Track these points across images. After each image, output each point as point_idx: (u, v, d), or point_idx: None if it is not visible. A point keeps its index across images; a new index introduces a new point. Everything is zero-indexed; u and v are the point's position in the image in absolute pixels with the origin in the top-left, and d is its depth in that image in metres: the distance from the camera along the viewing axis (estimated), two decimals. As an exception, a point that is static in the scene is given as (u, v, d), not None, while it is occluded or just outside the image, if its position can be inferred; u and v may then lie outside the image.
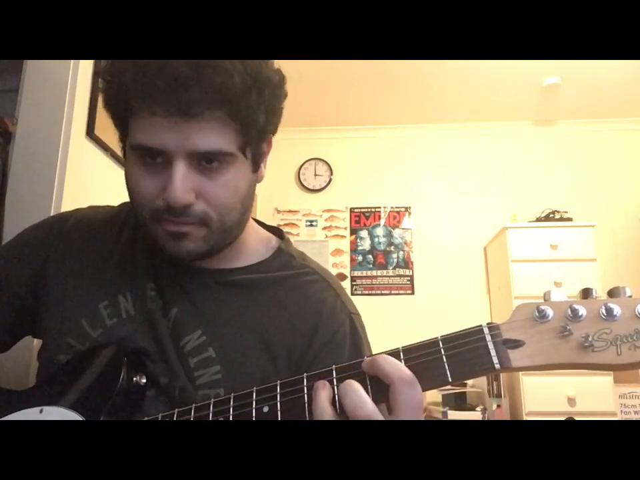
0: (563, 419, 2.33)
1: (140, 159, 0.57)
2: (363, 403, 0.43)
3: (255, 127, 0.57)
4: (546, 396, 2.48)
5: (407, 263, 3.26)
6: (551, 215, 2.92)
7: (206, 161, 0.56)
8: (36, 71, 1.31)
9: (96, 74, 1.30)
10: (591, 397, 2.45)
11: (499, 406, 2.54)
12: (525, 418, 2.46)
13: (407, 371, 0.43)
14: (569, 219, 2.88)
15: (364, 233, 3.34)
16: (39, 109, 1.28)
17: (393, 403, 0.43)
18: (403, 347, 0.46)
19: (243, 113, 0.55)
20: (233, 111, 0.54)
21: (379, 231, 3.33)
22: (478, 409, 2.57)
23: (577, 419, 2.32)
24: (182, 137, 0.53)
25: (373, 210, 3.37)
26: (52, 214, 1.22)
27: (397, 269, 3.26)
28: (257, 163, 0.63)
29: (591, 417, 2.37)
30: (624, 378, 2.58)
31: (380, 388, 0.44)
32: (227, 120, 0.54)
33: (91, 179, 1.37)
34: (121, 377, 0.59)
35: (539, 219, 2.93)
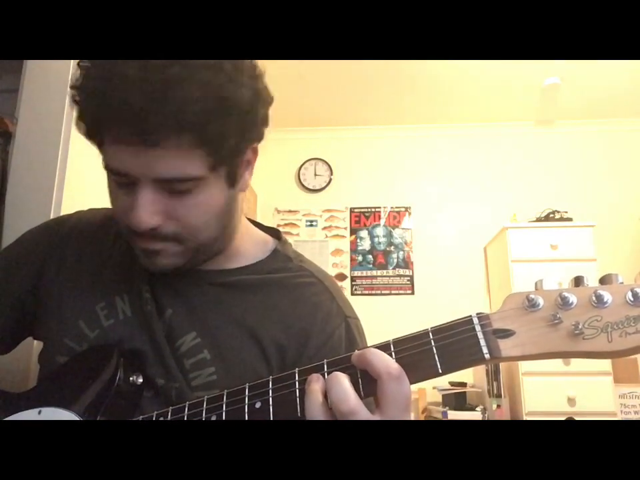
0: (563, 419, 2.33)
1: (114, 177, 0.58)
2: (345, 397, 0.42)
3: (225, 149, 0.55)
4: (546, 396, 2.48)
5: (407, 263, 3.26)
6: (551, 215, 2.92)
7: (172, 185, 0.55)
8: (36, 71, 1.31)
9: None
10: (591, 396, 2.45)
11: (498, 406, 2.54)
12: (525, 418, 2.46)
13: (395, 365, 0.43)
14: (569, 219, 2.88)
15: (364, 233, 3.34)
16: (39, 108, 1.28)
17: (380, 397, 0.43)
18: (393, 340, 0.46)
19: (208, 138, 0.53)
20: (197, 137, 0.52)
21: (379, 231, 3.33)
22: (478, 409, 2.57)
23: (577, 418, 2.32)
24: (145, 164, 0.53)
25: (373, 210, 3.37)
26: (52, 214, 1.22)
27: (397, 269, 3.26)
28: (233, 178, 0.60)
29: (590, 417, 2.37)
30: (624, 378, 2.58)
31: (369, 381, 0.44)
32: (192, 145, 0.52)
33: (91, 179, 1.37)
34: (117, 376, 0.59)
35: (539, 219, 2.93)
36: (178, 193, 0.56)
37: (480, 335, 0.43)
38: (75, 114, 0.58)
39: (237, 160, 0.60)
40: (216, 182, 0.58)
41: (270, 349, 0.63)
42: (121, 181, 0.57)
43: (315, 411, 0.43)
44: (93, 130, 0.56)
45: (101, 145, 0.57)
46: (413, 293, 3.21)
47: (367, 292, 3.24)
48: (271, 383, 0.48)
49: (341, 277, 3.25)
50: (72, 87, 0.56)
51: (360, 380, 0.44)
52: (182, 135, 0.51)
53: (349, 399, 0.42)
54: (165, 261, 0.60)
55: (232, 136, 0.55)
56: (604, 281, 0.42)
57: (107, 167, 0.57)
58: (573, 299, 0.42)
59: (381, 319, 2.86)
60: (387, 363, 0.43)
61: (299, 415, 0.46)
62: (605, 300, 0.41)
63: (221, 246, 0.65)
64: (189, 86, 0.50)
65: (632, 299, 0.40)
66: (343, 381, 0.43)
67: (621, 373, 2.57)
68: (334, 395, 0.43)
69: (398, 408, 0.42)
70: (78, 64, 0.56)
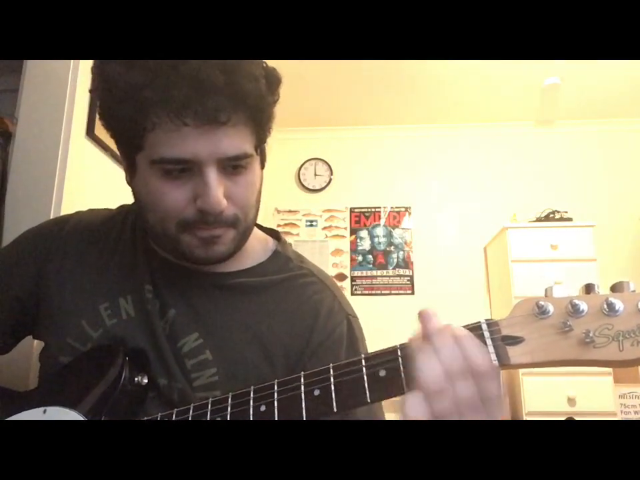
0: (563, 419, 2.33)
1: (161, 172, 0.56)
2: (481, 353, 0.41)
3: (267, 125, 0.60)
4: (546, 396, 2.48)
5: (406, 263, 3.26)
6: (551, 215, 2.92)
7: (230, 165, 0.56)
8: (36, 71, 1.31)
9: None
10: (591, 396, 2.45)
11: (499, 406, 2.54)
12: (525, 418, 2.46)
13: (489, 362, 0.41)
14: (569, 219, 2.88)
15: (364, 233, 3.34)
16: (39, 109, 1.28)
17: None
18: (400, 345, 0.45)
19: (261, 114, 0.57)
20: (253, 113, 0.56)
21: (379, 231, 3.33)
22: (478, 409, 2.56)
23: (577, 418, 2.32)
24: (212, 144, 0.53)
25: (373, 210, 3.37)
26: (52, 214, 1.22)
27: (397, 269, 3.26)
28: (264, 158, 0.64)
29: (590, 417, 2.37)
30: (624, 378, 2.57)
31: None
32: (246, 122, 0.56)
33: (91, 179, 1.37)
34: (123, 376, 0.59)
35: (539, 219, 2.93)
36: (232, 174, 0.57)
37: (489, 342, 0.43)
38: (98, 114, 0.58)
39: (266, 141, 0.63)
40: (256, 162, 0.61)
41: (273, 350, 0.63)
42: (175, 171, 0.55)
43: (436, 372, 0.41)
44: (138, 120, 0.53)
45: (138, 138, 0.54)
46: (413, 293, 3.21)
47: (366, 292, 3.23)
48: (276, 386, 0.48)
49: (341, 276, 3.25)
50: (109, 87, 0.54)
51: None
52: (239, 112, 0.54)
53: (435, 376, 0.40)
54: (222, 248, 0.60)
55: (270, 114, 0.59)
56: (615, 288, 0.42)
57: (161, 159, 0.54)
58: (583, 306, 0.41)
59: (381, 319, 2.86)
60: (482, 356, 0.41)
61: (304, 418, 0.46)
62: (617, 308, 0.40)
63: (250, 233, 0.66)
64: (247, 63, 0.54)
65: None
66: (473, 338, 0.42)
67: (621, 373, 2.56)
68: (470, 351, 0.41)
69: (488, 400, 0.41)
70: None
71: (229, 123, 0.53)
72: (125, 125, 0.56)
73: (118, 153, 0.62)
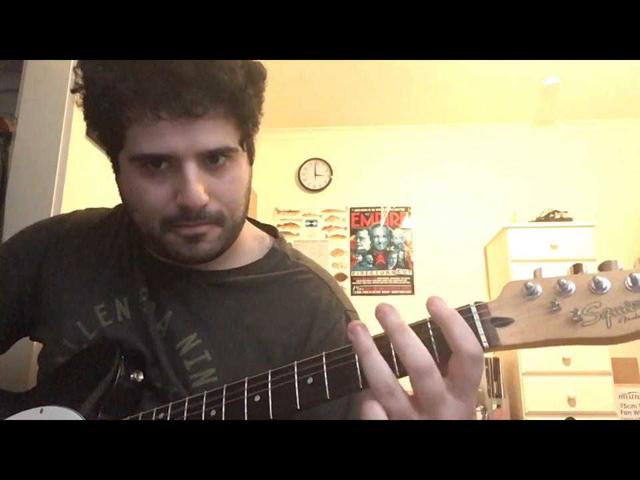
0: (563, 419, 2.33)
1: (141, 169, 0.55)
2: (422, 352, 0.40)
3: (251, 119, 0.59)
4: (546, 396, 2.48)
5: (406, 263, 3.26)
6: (551, 215, 2.92)
7: (211, 160, 0.56)
8: (36, 70, 1.31)
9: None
10: (591, 396, 2.45)
11: (499, 406, 2.54)
12: (525, 418, 2.47)
13: (478, 346, 0.40)
14: (569, 219, 2.88)
15: (364, 233, 3.34)
16: (39, 109, 1.28)
17: (454, 372, 0.40)
18: None
19: (241, 107, 0.56)
20: (233, 106, 0.55)
21: (379, 231, 3.33)
22: (478, 409, 2.57)
23: (577, 418, 2.32)
24: (190, 138, 0.53)
25: (373, 210, 3.37)
26: (52, 214, 1.22)
27: (397, 269, 3.26)
28: (252, 154, 0.63)
29: (591, 417, 2.37)
30: (624, 378, 2.58)
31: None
32: (227, 115, 0.55)
33: (91, 179, 1.37)
34: (118, 373, 0.59)
35: (539, 219, 2.93)
36: (215, 169, 0.57)
37: (478, 324, 0.42)
38: (83, 114, 0.57)
39: (253, 136, 0.62)
40: (243, 157, 0.60)
41: (272, 348, 0.63)
42: (152, 169, 0.55)
43: (383, 374, 0.40)
44: (116, 116, 0.53)
45: (119, 135, 0.54)
46: (413, 293, 3.21)
47: (366, 292, 3.24)
48: (270, 376, 0.49)
49: (341, 277, 3.25)
50: (87, 83, 0.55)
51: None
52: (218, 106, 0.53)
53: (425, 354, 0.40)
54: (207, 246, 0.59)
55: (256, 105, 0.59)
56: (603, 267, 0.42)
57: (140, 155, 0.54)
58: (571, 285, 0.41)
59: (381, 319, 2.86)
60: (471, 340, 0.40)
61: (298, 407, 0.46)
62: (604, 286, 0.40)
63: (239, 231, 0.65)
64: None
65: (631, 285, 0.40)
66: (414, 334, 0.40)
67: (621, 373, 2.57)
68: (410, 351, 0.40)
69: (472, 386, 0.41)
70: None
71: (205, 116, 0.52)
72: (105, 123, 0.55)
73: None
